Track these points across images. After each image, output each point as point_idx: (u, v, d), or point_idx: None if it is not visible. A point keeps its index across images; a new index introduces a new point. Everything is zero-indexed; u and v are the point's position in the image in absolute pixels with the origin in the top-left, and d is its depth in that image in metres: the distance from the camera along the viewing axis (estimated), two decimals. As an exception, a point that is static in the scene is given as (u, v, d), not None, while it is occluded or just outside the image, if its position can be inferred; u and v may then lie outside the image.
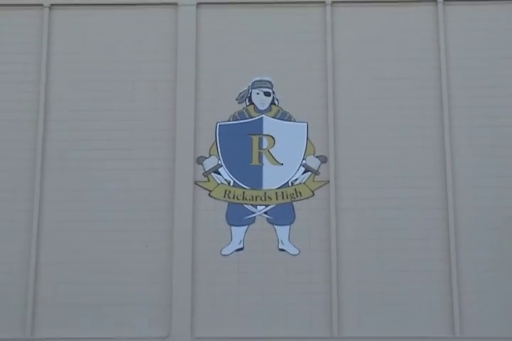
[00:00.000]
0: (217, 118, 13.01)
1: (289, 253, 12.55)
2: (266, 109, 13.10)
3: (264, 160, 12.94)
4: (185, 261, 12.42)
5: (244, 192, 12.80)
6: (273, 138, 12.99)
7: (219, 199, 12.76)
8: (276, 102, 13.10)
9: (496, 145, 12.69)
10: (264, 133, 13.01)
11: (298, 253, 12.53)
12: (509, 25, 13.21)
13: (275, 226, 12.66)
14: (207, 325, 12.23)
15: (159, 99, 13.04)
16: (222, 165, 12.95)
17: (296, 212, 12.69)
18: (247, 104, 13.11)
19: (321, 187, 12.73)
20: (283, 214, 12.73)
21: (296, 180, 12.79)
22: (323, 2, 13.13)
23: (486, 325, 12.06)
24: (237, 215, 12.74)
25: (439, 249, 12.27)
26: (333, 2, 13.13)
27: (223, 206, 12.76)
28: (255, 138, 13.02)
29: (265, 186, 12.86)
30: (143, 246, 12.50)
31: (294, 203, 12.73)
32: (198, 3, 13.17)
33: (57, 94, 13.08)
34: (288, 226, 12.70)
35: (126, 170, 12.77)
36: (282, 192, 12.80)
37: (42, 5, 13.13)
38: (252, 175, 12.91)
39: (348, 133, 12.82)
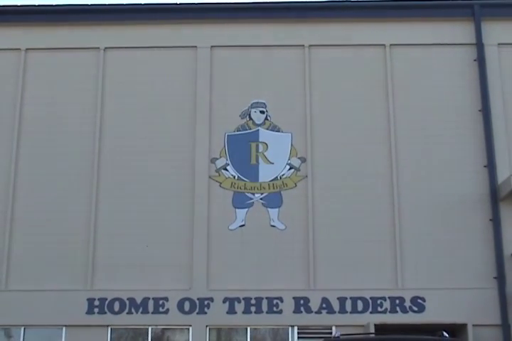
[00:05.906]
0: (226, 130, 14.73)
1: (277, 228, 14.23)
2: (261, 123, 14.67)
3: (260, 160, 14.53)
4: (203, 234, 14.11)
5: (245, 184, 14.36)
6: (266, 145, 14.58)
7: (227, 189, 14.42)
8: (268, 118, 14.73)
9: (426, 157, 14.44)
10: (260, 140, 14.63)
11: (284, 228, 14.19)
12: (437, 63, 14.95)
13: (268, 209, 14.28)
14: (218, 280, 13.95)
15: (183, 116, 14.76)
16: (229, 164, 14.48)
17: (283, 198, 14.34)
18: (248, 119, 14.73)
19: (301, 180, 14.44)
20: (274, 200, 14.28)
21: (283, 175, 14.42)
22: (303, 45, 15.06)
23: (420, 279, 13.86)
24: (240, 200, 14.28)
25: (387, 225, 14.14)
26: (310, 45, 15.03)
27: (230, 194, 14.41)
28: (253, 145, 14.62)
29: (261, 179, 14.44)
30: (173, 223, 13.94)
31: (281, 192, 14.34)
32: (212, 46, 15.03)
33: (110, 112, 14.83)
34: (277, 209, 14.26)
35: (161, 167, 14.45)
36: (273, 184, 14.37)
37: (99, 48, 15.16)
38: (251, 171, 14.44)
39: (321, 141, 14.58)
